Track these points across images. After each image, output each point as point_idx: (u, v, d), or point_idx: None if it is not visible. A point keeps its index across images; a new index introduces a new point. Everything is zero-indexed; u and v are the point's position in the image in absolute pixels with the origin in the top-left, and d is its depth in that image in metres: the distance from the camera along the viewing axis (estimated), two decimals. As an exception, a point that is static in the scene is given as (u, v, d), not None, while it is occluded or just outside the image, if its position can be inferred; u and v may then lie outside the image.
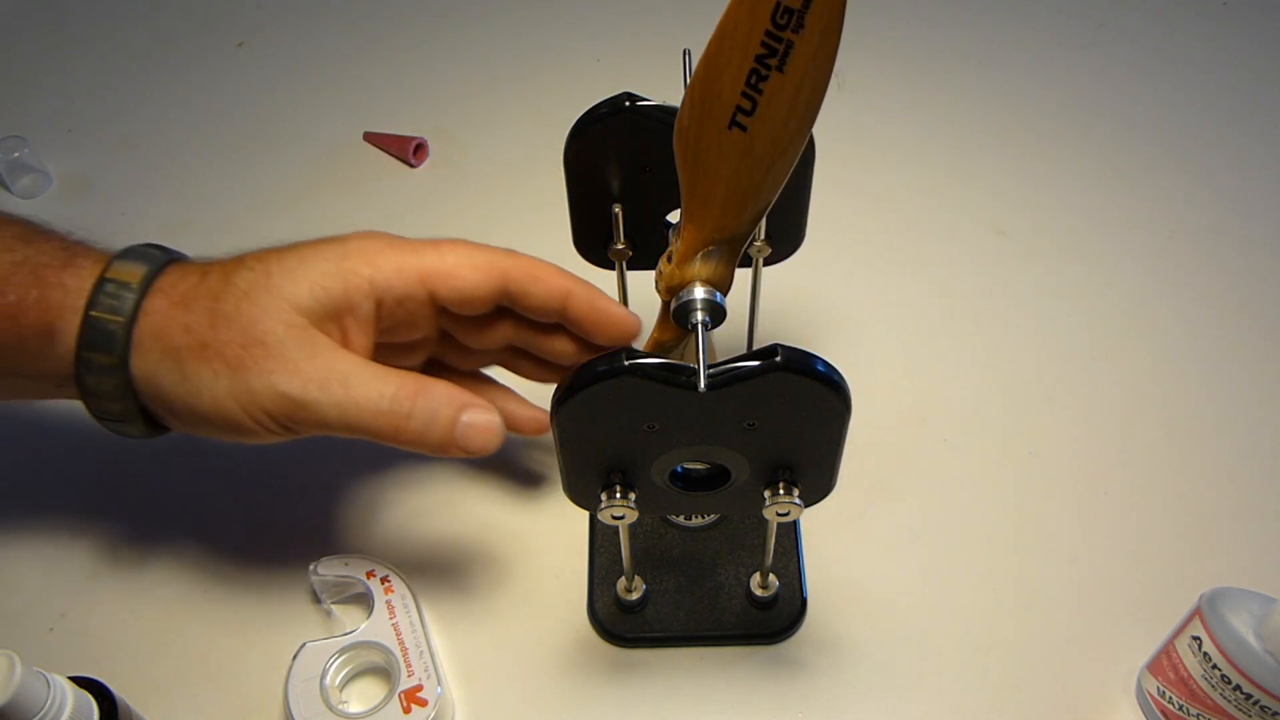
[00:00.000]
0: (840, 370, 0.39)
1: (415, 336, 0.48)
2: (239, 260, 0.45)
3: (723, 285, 0.41)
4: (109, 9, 0.90)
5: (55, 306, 0.44)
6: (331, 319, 0.44)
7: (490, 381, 0.54)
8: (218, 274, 0.44)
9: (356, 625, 0.51)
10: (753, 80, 0.35)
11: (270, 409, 0.42)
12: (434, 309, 0.47)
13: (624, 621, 0.53)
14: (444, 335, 0.50)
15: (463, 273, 0.45)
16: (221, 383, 0.42)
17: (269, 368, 0.42)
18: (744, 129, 0.36)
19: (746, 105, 0.35)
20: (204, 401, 0.43)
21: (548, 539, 0.56)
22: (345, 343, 0.45)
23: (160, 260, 0.45)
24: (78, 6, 0.90)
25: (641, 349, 0.43)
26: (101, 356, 0.43)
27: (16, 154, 0.74)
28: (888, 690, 0.51)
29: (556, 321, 0.48)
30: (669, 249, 0.41)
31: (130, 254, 0.45)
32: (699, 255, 0.40)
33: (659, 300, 0.43)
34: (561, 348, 0.49)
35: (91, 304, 0.43)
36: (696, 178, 0.38)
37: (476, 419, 0.44)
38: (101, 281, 0.44)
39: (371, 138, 0.78)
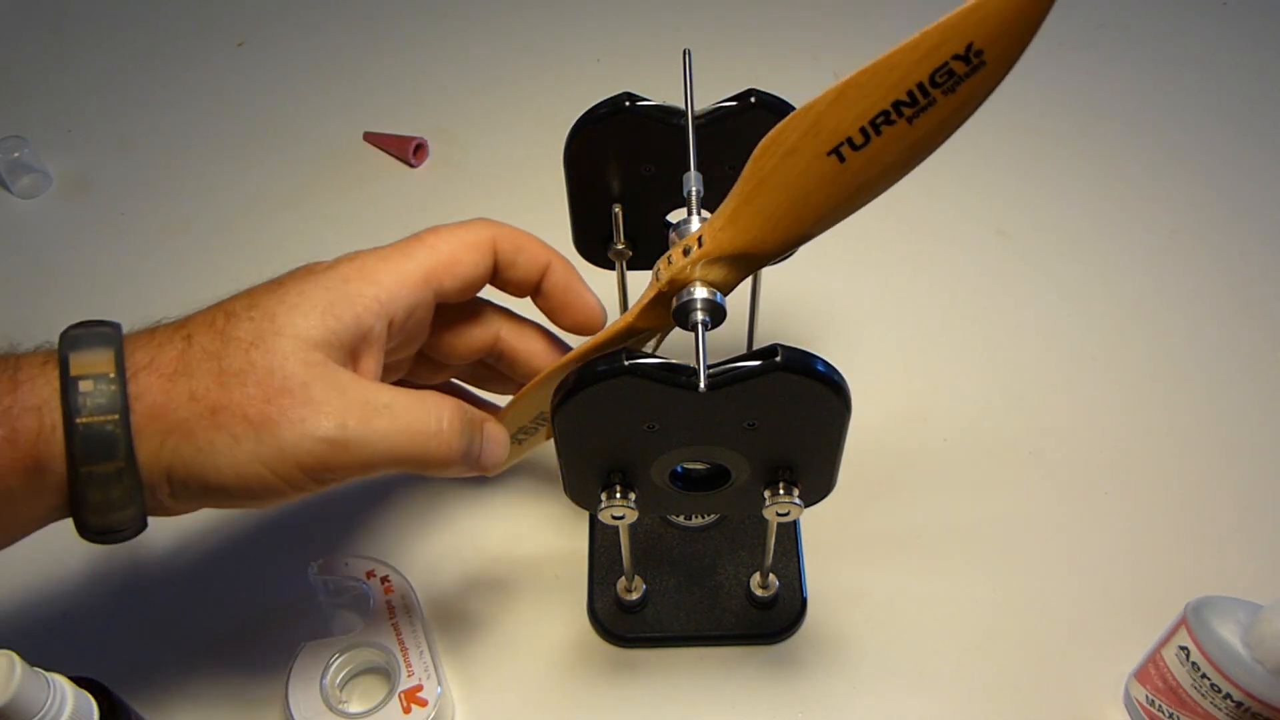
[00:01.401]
0: (840, 370, 0.39)
1: (411, 350, 0.46)
2: (223, 311, 0.40)
3: (725, 289, 0.40)
4: (109, 9, 0.90)
5: (29, 436, 0.37)
6: (347, 350, 0.41)
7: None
8: (204, 332, 0.39)
9: (356, 625, 0.51)
10: (878, 120, 0.34)
11: (304, 462, 0.38)
12: (433, 312, 0.45)
13: (624, 621, 0.53)
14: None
15: (462, 256, 0.43)
16: (244, 446, 0.38)
17: (300, 415, 0.38)
18: (842, 160, 0.35)
19: (858, 141, 0.35)
20: (223, 472, 0.38)
21: (548, 539, 0.56)
22: (359, 373, 0.41)
23: (115, 337, 0.39)
24: (78, 6, 0.90)
25: (609, 329, 0.42)
26: (105, 465, 0.37)
27: (16, 154, 0.74)
28: (888, 690, 0.51)
29: (529, 294, 0.47)
30: (682, 243, 0.40)
31: (80, 343, 0.39)
32: (721, 259, 0.39)
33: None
34: (531, 345, 0.48)
35: (73, 412, 0.37)
36: (764, 189, 0.37)
37: (492, 431, 0.43)
38: (70, 383, 0.37)
39: (371, 138, 0.78)
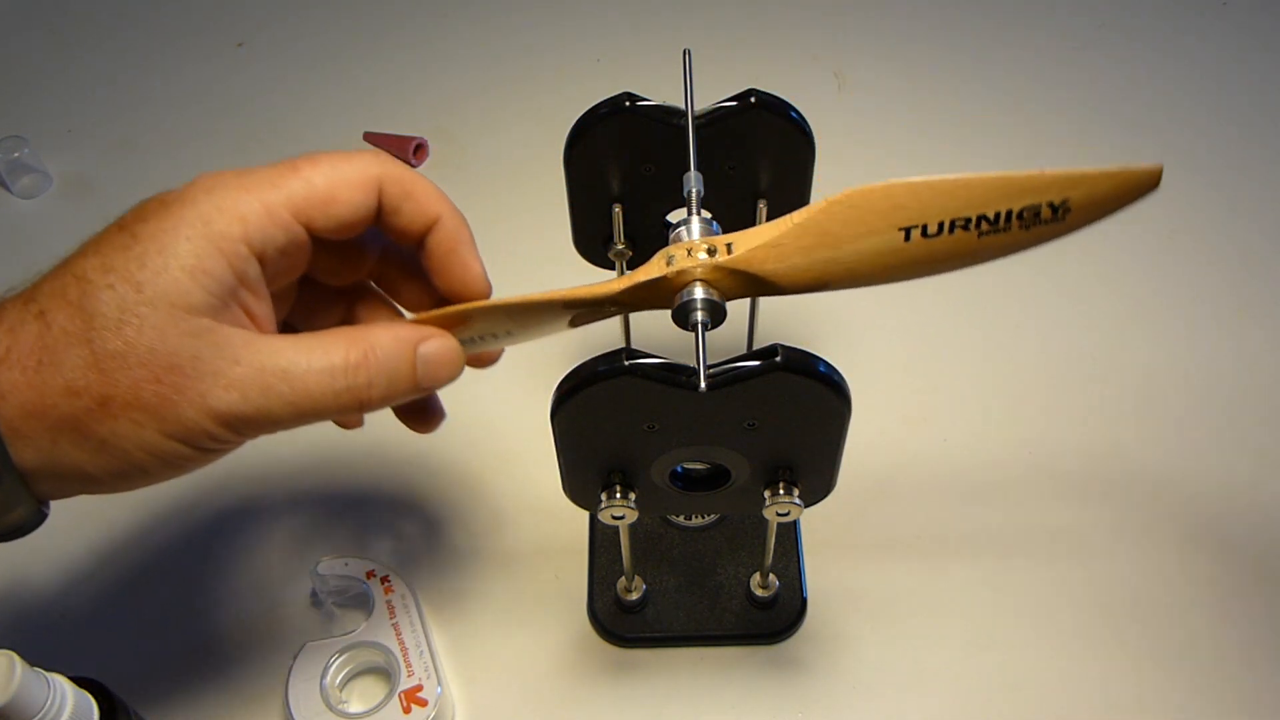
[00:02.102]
0: (840, 370, 0.39)
1: (293, 278, 0.42)
2: (74, 277, 0.36)
3: (728, 297, 0.40)
4: (109, 9, 0.90)
5: None
6: (228, 302, 0.37)
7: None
8: (59, 307, 0.35)
9: (356, 625, 0.51)
10: (957, 222, 0.36)
11: (214, 432, 0.36)
12: (312, 245, 0.40)
13: (624, 621, 0.53)
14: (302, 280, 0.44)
15: (340, 195, 0.39)
16: (148, 431, 0.35)
17: (199, 390, 0.35)
18: (906, 239, 0.37)
19: (932, 230, 0.36)
20: (134, 456, 0.36)
21: (548, 539, 0.56)
22: (253, 321, 0.38)
23: None
24: (78, 6, 0.90)
25: (593, 288, 0.40)
26: None
27: (16, 154, 0.74)
28: (888, 690, 0.51)
29: (414, 246, 0.42)
30: (708, 241, 0.39)
31: None
32: (742, 273, 0.38)
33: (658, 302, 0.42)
34: (411, 294, 0.44)
35: None
36: (822, 230, 0.37)
37: (433, 352, 0.39)
38: None
39: (371, 138, 0.78)
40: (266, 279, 0.39)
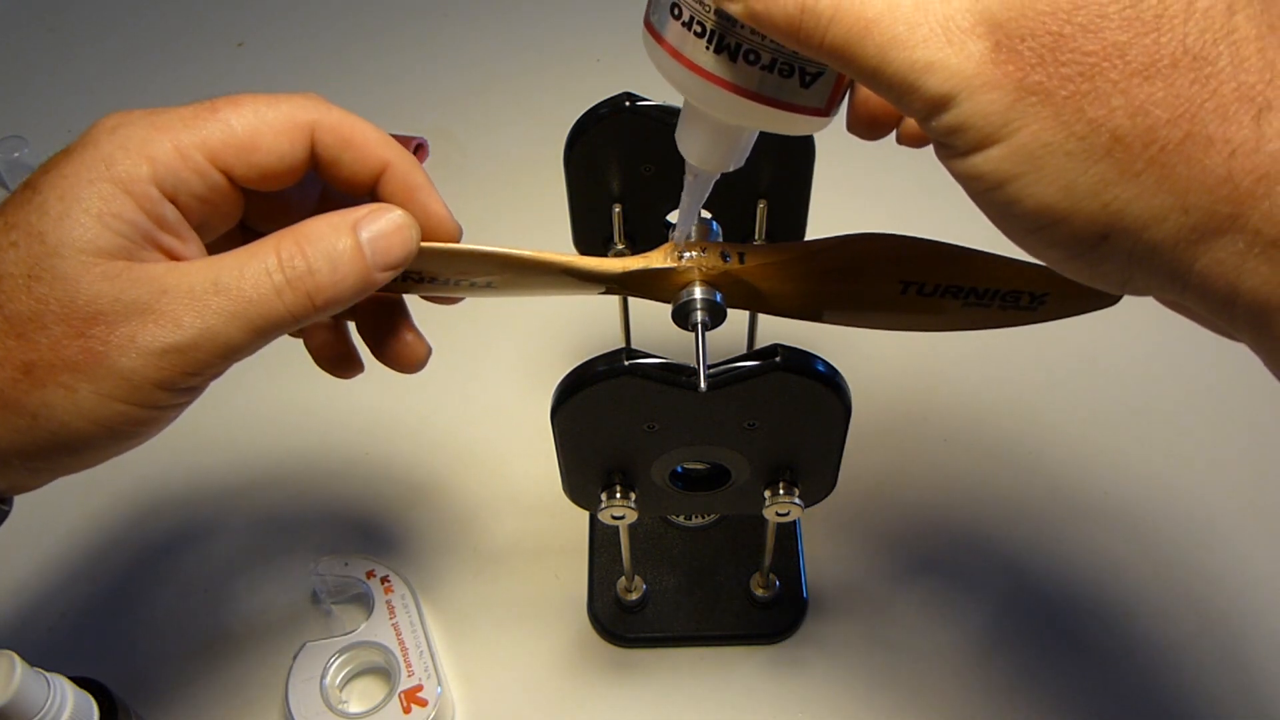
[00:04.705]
0: (840, 370, 0.39)
1: (228, 226, 0.38)
2: None
3: (726, 302, 0.40)
4: (109, 8, 0.90)
5: None
6: (145, 248, 0.34)
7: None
8: None
9: (356, 625, 0.51)
10: (952, 288, 0.39)
11: (159, 379, 0.33)
12: (239, 190, 0.37)
13: (624, 621, 0.53)
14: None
15: (263, 142, 0.36)
16: (83, 395, 0.32)
17: (127, 334, 0.32)
18: (903, 292, 0.39)
19: (928, 289, 0.39)
20: (74, 428, 0.33)
21: (548, 539, 0.56)
22: (182, 260, 0.35)
23: None
24: (78, 6, 0.90)
25: (600, 261, 0.39)
26: None
27: (16, 154, 0.74)
28: (888, 690, 0.51)
29: (364, 196, 0.39)
30: (722, 246, 0.39)
31: None
32: (746, 284, 0.39)
33: (660, 305, 0.42)
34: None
35: None
36: (833, 264, 0.39)
37: (378, 227, 0.35)
38: None
39: (371, 138, 0.78)
40: (196, 228, 0.36)
